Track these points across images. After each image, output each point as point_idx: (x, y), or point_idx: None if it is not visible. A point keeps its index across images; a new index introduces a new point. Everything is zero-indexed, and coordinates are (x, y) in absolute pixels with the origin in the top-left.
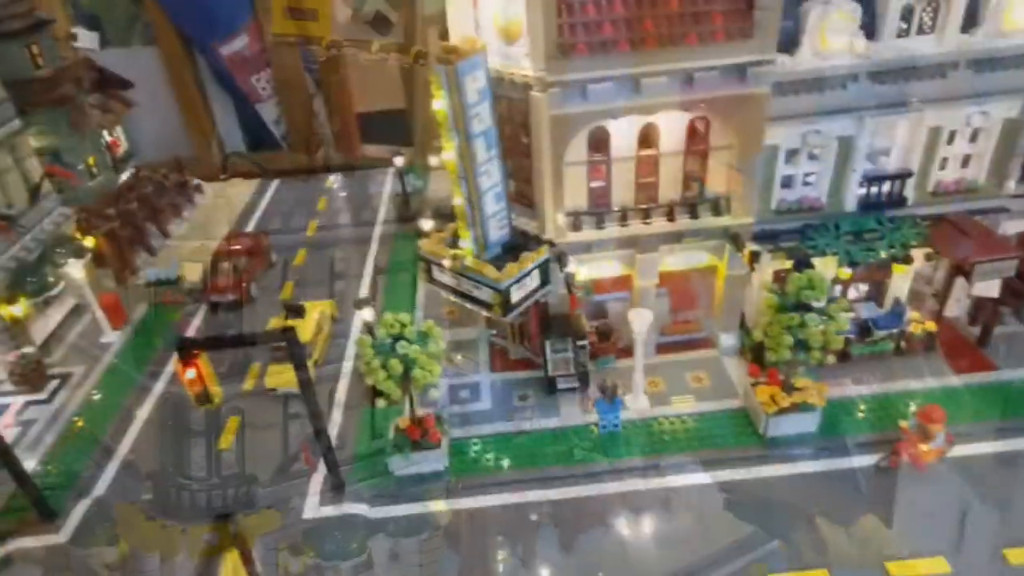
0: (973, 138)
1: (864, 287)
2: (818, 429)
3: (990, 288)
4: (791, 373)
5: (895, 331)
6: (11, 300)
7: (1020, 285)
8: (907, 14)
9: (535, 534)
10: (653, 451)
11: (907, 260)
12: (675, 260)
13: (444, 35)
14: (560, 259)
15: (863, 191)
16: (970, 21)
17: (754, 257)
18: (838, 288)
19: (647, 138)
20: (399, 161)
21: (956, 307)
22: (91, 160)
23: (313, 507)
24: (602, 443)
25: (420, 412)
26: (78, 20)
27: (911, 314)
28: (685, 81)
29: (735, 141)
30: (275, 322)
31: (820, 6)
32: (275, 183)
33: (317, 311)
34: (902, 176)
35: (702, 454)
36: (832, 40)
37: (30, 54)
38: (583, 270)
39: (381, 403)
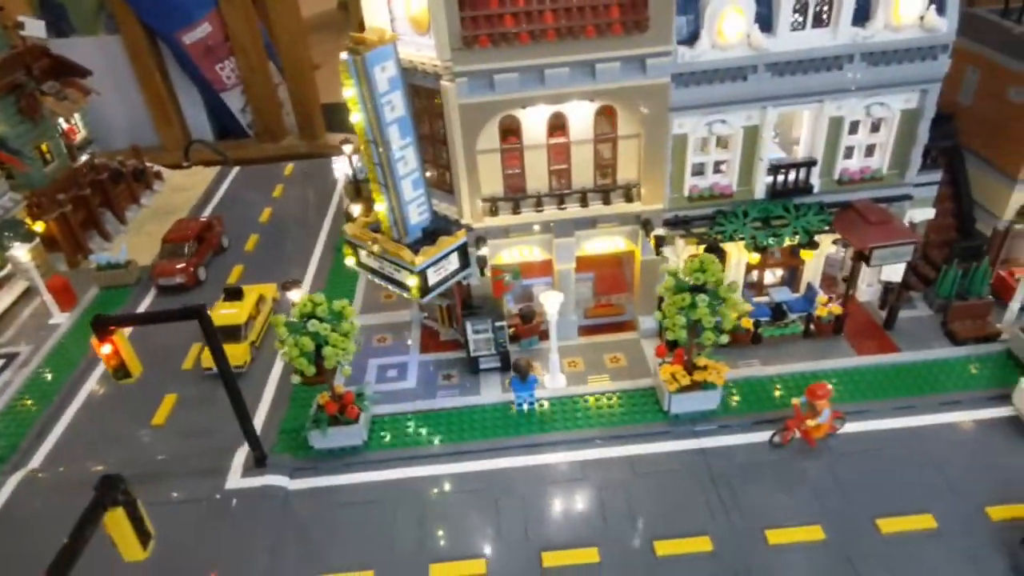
0: (875, 128)
1: (780, 272)
2: (720, 407)
3: (896, 273)
4: (696, 353)
5: (806, 314)
6: None
7: (928, 270)
8: (802, 8)
9: (450, 504)
10: (565, 427)
11: (812, 246)
12: (594, 245)
13: (362, 26)
14: (478, 243)
15: (771, 179)
16: (862, 15)
17: (659, 242)
18: (755, 273)
19: (557, 127)
20: (348, 148)
21: (868, 292)
22: (44, 147)
23: (235, 479)
24: (518, 420)
25: (341, 389)
26: (44, 9)
27: (819, 298)
28: (587, 72)
29: (641, 130)
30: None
31: (716, 0)
32: (235, 171)
33: (256, 294)
34: (807, 164)
35: (611, 430)
36: (729, 33)
37: None
38: (504, 254)
39: (296, 379)
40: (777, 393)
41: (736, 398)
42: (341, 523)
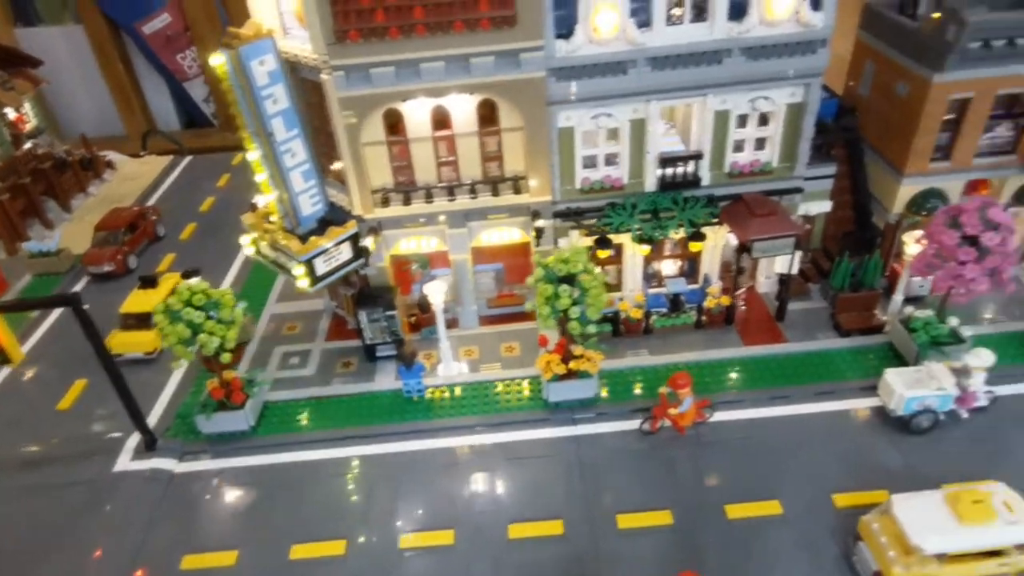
0: (764, 122)
1: (680, 263)
2: (600, 395)
3: (788, 265)
4: (580, 343)
5: (697, 305)
6: None
7: (826, 262)
8: (679, 3)
9: (327, 488)
10: (450, 414)
11: (700, 237)
12: (490, 236)
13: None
14: (372, 233)
15: (661, 172)
16: (739, 11)
17: (539, 233)
18: (654, 264)
19: (442, 120)
20: None
21: (767, 283)
22: None
23: (124, 462)
24: (406, 407)
25: (232, 375)
26: None
27: (710, 289)
28: (463, 66)
29: (522, 123)
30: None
31: None
32: (187, 160)
33: (172, 282)
34: (693, 157)
35: (494, 417)
36: (603, 28)
37: None
38: (404, 245)
39: (175, 364)
40: (660, 383)
41: (617, 387)
42: (219, 506)
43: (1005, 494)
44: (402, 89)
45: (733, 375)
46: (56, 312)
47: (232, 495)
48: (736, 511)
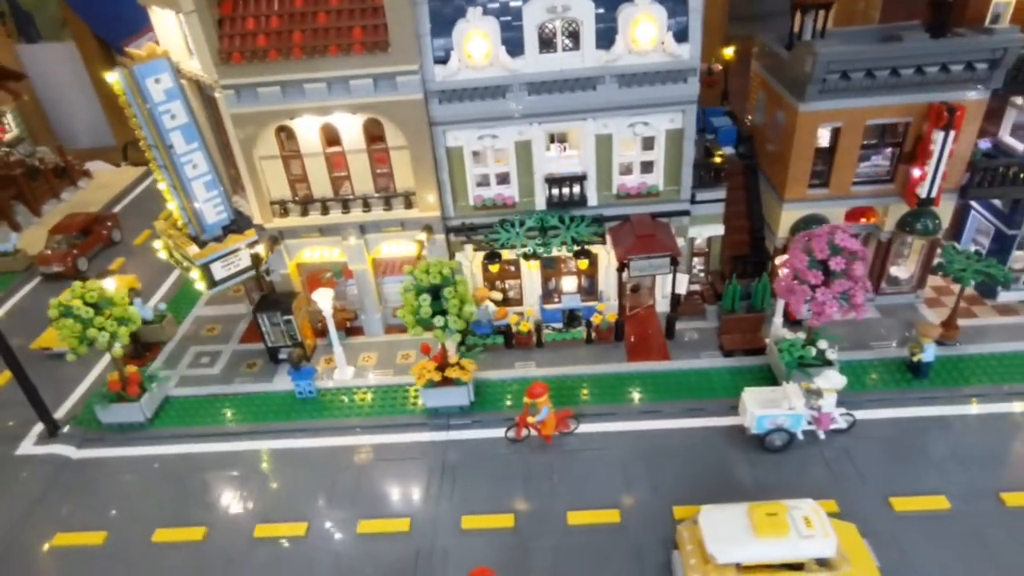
0: (649, 146)
1: (579, 280)
2: (470, 402)
3: (680, 285)
4: (461, 352)
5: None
6: None
7: (721, 284)
8: (550, 33)
9: (204, 479)
10: (337, 416)
11: (585, 255)
12: (389, 248)
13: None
14: (273, 242)
15: (549, 191)
16: (608, 41)
17: (421, 245)
18: (553, 281)
19: (334, 137)
20: None
21: (663, 302)
22: None
23: (27, 447)
24: (296, 407)
25: (133, 369)
26: (15, 16)
27: (599, 306)
28: (344, 87)
29: (406, 142)
30: None
31: (462, 24)
32: None
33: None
34: (578, 179)
35: (376, 420)
36: (475, 55)
37: None
38: (304, 254)
39: (70, 357)
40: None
41: (498, 397)
42: (104, 490)
43: (809, 511)
44: (289, 107)
45: (610, 389)
46: None
47: (119, 481)
48: (576, 518)
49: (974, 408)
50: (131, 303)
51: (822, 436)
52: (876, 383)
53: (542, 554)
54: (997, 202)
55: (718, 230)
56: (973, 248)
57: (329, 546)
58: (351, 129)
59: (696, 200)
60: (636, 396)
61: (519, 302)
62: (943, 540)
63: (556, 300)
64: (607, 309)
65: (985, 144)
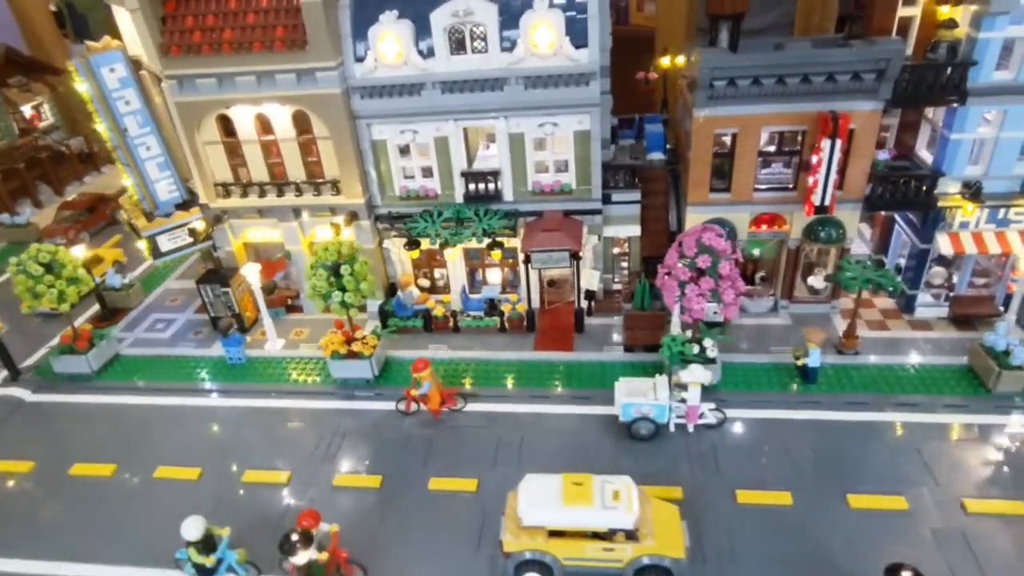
0: (561, 147)
1: (504, 272)
2: (373, 375)
3: (593, 281)
4: (379, 332)
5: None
6: None
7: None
8: (459, 35)
9: (133, 426)
10: (255, 380)
11: (497, 246)
12: (323, 231)
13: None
14: (216, 220)
15: (466, 185)
16: (511, 44)
17: (337, 230)
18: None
19: (267, 126)
20: None
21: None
22: None
23: None
24: (224, 371)
25: (87, 328)
26: (72, 18)
27: (512, 296)
28: (272, 80)
29: (328, 133)
30: None
31: (376, 26)
32: None
33: (94, 253)
34: (491, 174)
35: (290, 387)
36: (388, 55)
37: None
38: (249, 233)
39: (24, 308)
40: (440, 372)
41: (406, 373)
42: (44, 429)
43: (621, 486)
44: (224, 97)
45: (506, 374)
46: None
47: (57, 423)
48: (438, 484)
49: (850, 416)
50: (105, 273)
51: (691, 429)
52: (763, 384)
53: (397, 512)
54: (914, 216)
55: (634, 231)
56: (901, 262)
57: (214, 490)
58: (281, 119)
59: (612, 200)
60: (531, 381)
61: (446, 290)
62: (774, 532)
63: (479, 291)
64: (519, 300)
65: (885, 156)
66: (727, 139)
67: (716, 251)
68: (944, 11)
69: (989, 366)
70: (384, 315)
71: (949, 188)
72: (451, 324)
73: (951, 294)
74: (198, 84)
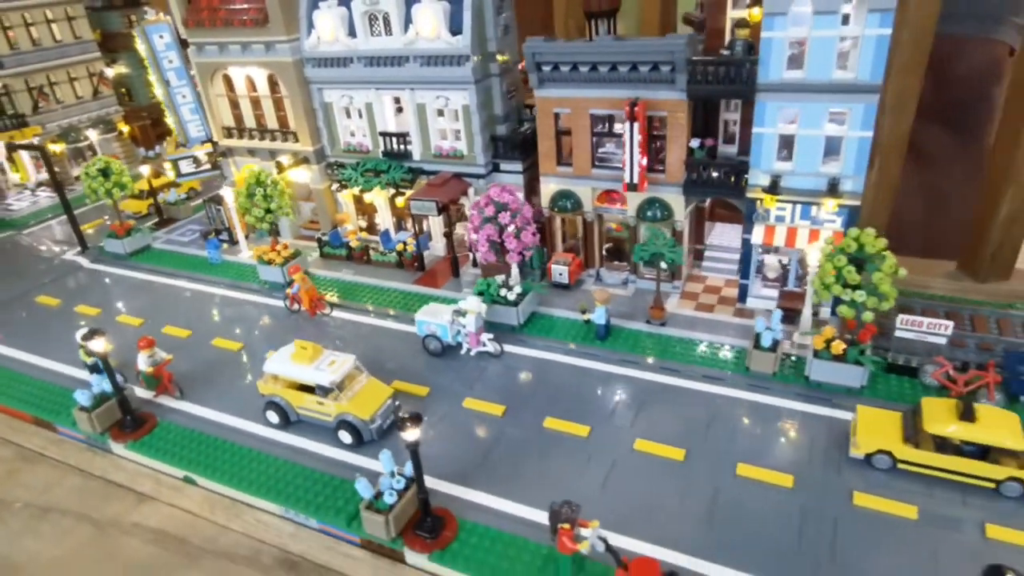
0: (453, 118)
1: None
2: (287, 281)
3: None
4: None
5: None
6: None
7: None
8: (374, 19)
9: (144, 293)
10: (215, 275)
11: (400, 195)
12: (296, 173)
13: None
14: (223, 154)
15: (384, 144)
16: (406, 28)
17: (280, 167)
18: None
19: (252, 85)
20: None
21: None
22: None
23: (68, 256)
24: (204, 266)
25: (131, 223)
26: None
27: (409, 239)
28: (248, 49)
29: (287, 92)
30: None
31: (318, 11)
32: None
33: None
34: (400, 136)
35: (236, 283)
36: (324, 32)
37: (128, 21)
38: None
39: (88, 200)
40: (337, 288)
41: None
42: (99, 288)
43: (339, 358)
44: (222, 60)
45: (378, 296)
46: None
47: (98, 283)
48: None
49: (612, 368)
50: (168, 190)
51: (472, 352)
52: (561, 335)
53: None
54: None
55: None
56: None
57: (167, 344)
58: (260, 80)
59: (500, 169)
60: (390, 303)
61: (374, 231)
62: (478, 429)
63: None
64: (414, 243)
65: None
66: (565, 118)
67: (506, 205)
68: (755, 13)
69: (748, 348)
70: (321, 244)
71: (762, 180)
72: (364, 256)
73: (783, 288)
74: (206, 49)
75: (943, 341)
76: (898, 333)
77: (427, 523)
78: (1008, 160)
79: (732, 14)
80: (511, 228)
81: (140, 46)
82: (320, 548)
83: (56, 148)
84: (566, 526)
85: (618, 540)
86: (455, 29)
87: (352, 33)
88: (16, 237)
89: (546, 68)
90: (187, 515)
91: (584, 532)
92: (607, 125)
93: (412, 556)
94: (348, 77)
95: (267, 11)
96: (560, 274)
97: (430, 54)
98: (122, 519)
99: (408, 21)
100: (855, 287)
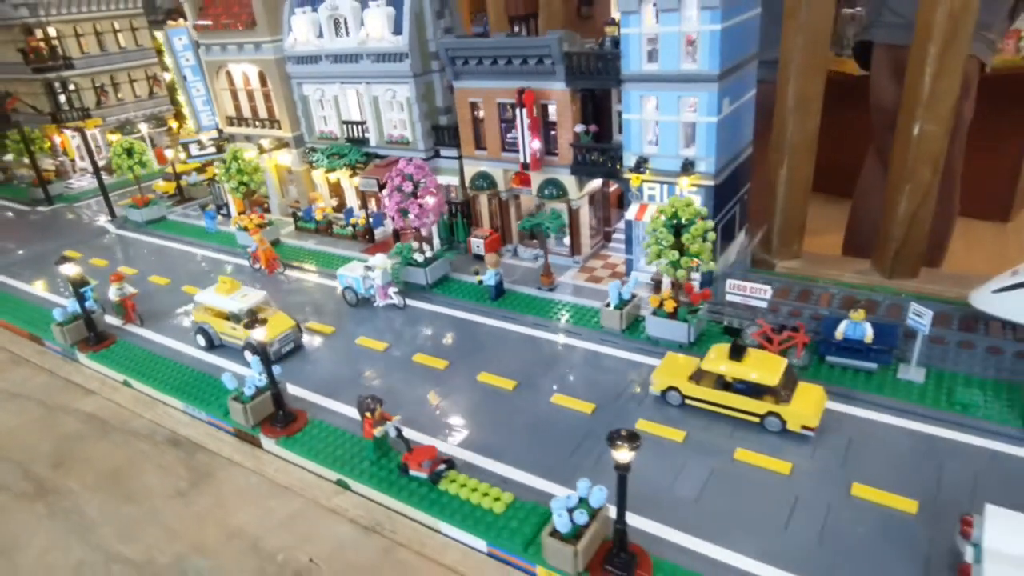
0: (402, 108)
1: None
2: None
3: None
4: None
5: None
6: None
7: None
8: (336, 22)
9: (153, 254)
10: (207, 241)
11: (356, 175)
12: (281, 157)
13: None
14: (227, 139)
15: (346, 131)
16: (361, 29)
17: (261, 150)
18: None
19: (247, 80)
20: None
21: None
22: None
23: (101, 221)
24: (201, 234)
25: (149, 196)
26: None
27: (362, 216)
28: (243, 48)
29: (272, 86)
30: None
31: (294, 16)
32: None
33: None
34: (359, 124)
35: (221, 247)
36: (299, 34)
37: None
38: (246, 153)
39: (116, 175)
40: (300, 255)
41: (285, 254)
42: (113, 249)
43: (254, 294)
44: (224, 59)
45: (323, 260)
46: None
47: (121, 246)
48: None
49: (496, 323)
50: (191, 173)
51: (380, 304)
52: (463, 295)
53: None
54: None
55: (455, 180)
56: None
57: (149, 295)
58: (253, 75)
59: (440, 155)
60: (327, 265)
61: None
62: (362, 364)
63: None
64: (367, 219)
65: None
66: (479, 107)
67: (412, 176)
68: None
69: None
70: (296, 218)
71: (633, 163)
72: (328, 229)
73: None
74: (211, 49)
75: (764, 305)
76: (728, 297)
77: (279, 415)
78: (901, 159)
79: (614, 14)
80: (420, 200)
81: (164, 47)
82: (202, 434)
83: (112, 137)
84: (368, 415)
85: (428, 442)
86: (397, 30)
87: (321, 35)
88: (68, 209)
89: (459, 63)
90: (115, 406)
91: (388, 424)
92: (512, 112)
93: (266, 442)
94: (318, 73)
95: (254, 15)
96: (478, 246)
97: (378, 52)
98: (68, 406)
99: (361, 24)
100: (674, 249)
